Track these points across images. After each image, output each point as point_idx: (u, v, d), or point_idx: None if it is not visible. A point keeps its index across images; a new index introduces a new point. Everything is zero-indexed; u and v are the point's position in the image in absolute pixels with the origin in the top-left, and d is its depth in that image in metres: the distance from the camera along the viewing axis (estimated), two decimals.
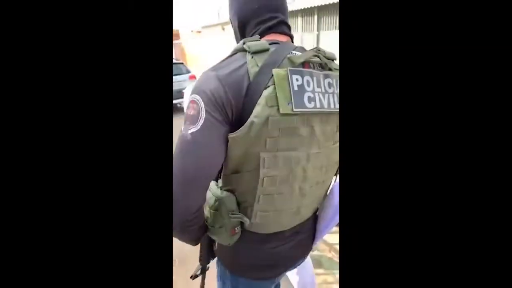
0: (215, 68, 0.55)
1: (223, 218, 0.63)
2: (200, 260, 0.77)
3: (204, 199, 0.60)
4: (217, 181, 0.67)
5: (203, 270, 0.78)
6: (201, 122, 0.52)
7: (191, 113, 0.53)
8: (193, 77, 6.21)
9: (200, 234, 0.66)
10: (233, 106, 0.53)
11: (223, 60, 0.57)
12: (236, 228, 0.65)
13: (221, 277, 0.77)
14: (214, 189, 0.65)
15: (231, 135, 0.54)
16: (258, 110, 0.52)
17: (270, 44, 0.57)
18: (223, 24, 9.89)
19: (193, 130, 0.52)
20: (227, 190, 0.63)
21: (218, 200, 0.63)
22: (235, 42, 0.66)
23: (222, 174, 0.64)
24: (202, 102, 0.52)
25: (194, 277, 0.77)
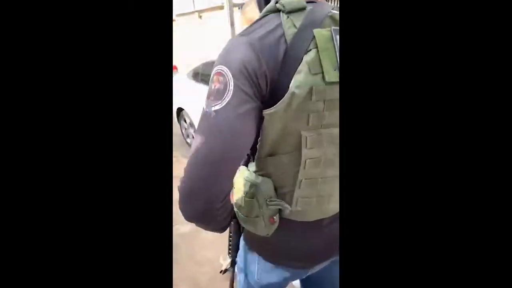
0: (244, 33, 0.48)
1: (260, 206, 0.56)
2: (229, 253, 0.71)
3: (231, 185, 0.54)
4: (247, 166, 0.59)
5: (233, 263, 0.72)
6: (228, 97, 0.45)
7: (216, 87, 0.46)
8: (174, 67, 5.95)
9: (228, 221, 0.60)
10: (268, 76, 0.45)
11: (253, 24, 0.49)
12: (274, 217, 0.57)
13: (248, 260, 0.68)
14: (247, 174, 0.57)
15: (267, 111, 0.47)
16: (300, 79, 0.44)
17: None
18: (199, 12, 9.63)
19: (218, 106, 0.45)
20: (262, 175, 0.56)
21: (254, 186, 0.55)
22: (213, 31, 0.61)
23: (255, 157, 0.56)
24: (230, 73, 0.45)
25: (223, 272, 0.73)
